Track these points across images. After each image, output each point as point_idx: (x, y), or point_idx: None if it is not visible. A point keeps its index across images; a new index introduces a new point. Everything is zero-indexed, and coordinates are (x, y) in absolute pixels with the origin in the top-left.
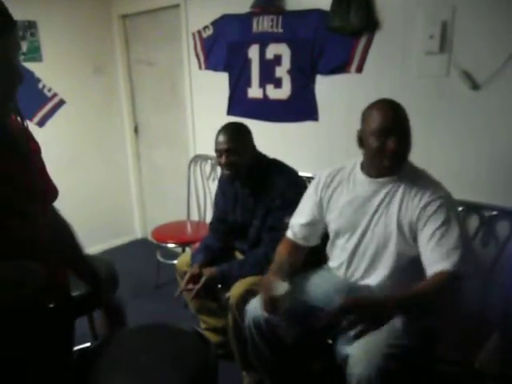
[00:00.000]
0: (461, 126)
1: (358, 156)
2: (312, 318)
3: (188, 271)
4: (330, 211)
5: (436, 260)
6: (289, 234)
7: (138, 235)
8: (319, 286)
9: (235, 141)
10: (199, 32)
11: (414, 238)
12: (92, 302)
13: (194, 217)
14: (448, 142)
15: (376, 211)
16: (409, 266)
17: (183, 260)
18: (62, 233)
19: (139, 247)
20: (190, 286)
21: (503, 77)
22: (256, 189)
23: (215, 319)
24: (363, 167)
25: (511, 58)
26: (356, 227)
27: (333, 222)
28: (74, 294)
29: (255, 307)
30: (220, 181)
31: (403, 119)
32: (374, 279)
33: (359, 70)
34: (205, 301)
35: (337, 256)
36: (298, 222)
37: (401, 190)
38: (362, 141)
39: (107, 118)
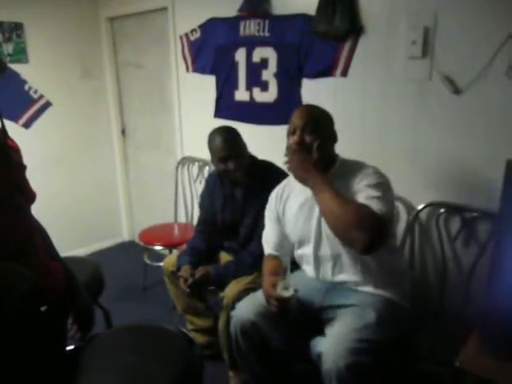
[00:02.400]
0: (444, 130)
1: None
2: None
3: (183, 274)
4: (287, 223)
5: (365, 200)
6: (266, 251)
7: (126, 238)
8: (299, 287)
9: (237, 146)
10: (187, 35)
11: None
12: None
13: (182, 219)
14: (432, 144)
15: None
16: (373, 259)
17: (170, 261)
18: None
19: (126, 250)
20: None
21: (484, 81)
22: (249, 188)
23: (202, 320)
24: None
25: (491, 62)
26: (309, 233)
27: (291, 234)
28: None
29: (243, 311)
30: (207, 182)
31: (311, 116)
32: (345, 277)
33: (344, 73)
34: (192, 301)
35: (305, 263)
36: (269, 239)
37: (339, 182)
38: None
39: (94, 120)
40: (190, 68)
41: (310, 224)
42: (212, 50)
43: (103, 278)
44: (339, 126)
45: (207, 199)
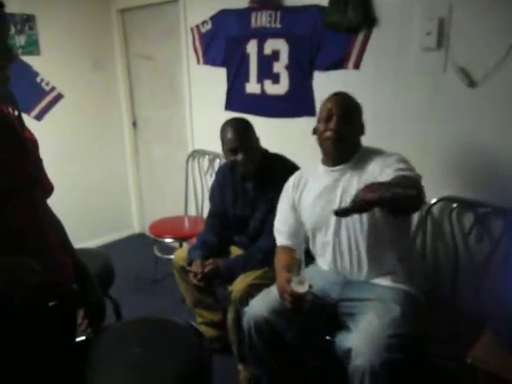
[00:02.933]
0: (458, 124)
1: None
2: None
3: (194, 269)
4: (303, 211)
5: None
6: (279, 242)
7: (136, 230)
8: (314, 281)
9: (248, 138)
10: (198, 27)
11: (381, 213)
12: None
13: (192, 212)
14: (445, 138)
15: (342, 198)
16: (388, 247)
17: (180, 255)
18: (57, 225)
19: (137, 242)
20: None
21: (500, 74)
22: (260, 182)
23: (212, 313)
24: (322, 160)
25: (508, 54)
26: (329, 220)
27: (307, 221)
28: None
29: (256, 308)
30: (218, 175)
31: (347, 105)
32: (363, 268)
33: (357, 66)
34: (201, 295)
35: (320, 253)
36: (282, 230)
37: (357, 173)
38: (315, 130)
39: (105, 112)
40: (201, 60)
41: (328, 210)
42: (223, 42)
43: (113, 270)
44: None
45: (218, 192)
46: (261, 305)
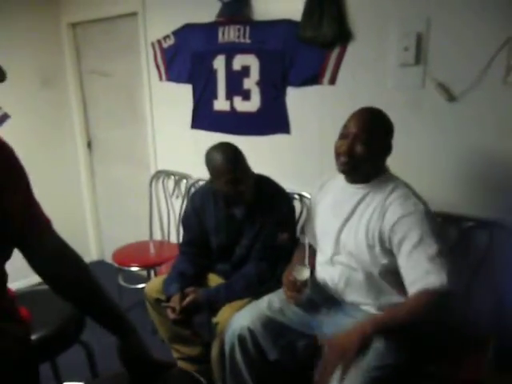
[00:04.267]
0: (438, 138)
1: (332, 168)
2: (296, 335)
3: (172, 304)
4: (317, 214)
5: (416, 280)
6: (302, 239)
7: (94, 257)
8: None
9: (245, 166)
10: (159, 42)
11: (385, 249)
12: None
13: (157, 236)
14: (425, 153)
15: (349, 217)
16: (381, 278)
17: (153, 286)
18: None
19: (96, 270)
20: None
21: (479, 89)
22: (251, 207)
23: (189, 348)
24: None
25: (487, 69)
26: (330, 232)
27: (316, 226)
28: (36, 336)
29: (241, 319)
30: (194, 200)
31: (371, 126)
32: (350, 289)
33: (332, 81)
34: (178, 329)
35: (319, 261)
36: (309, 227)
37: (376, 198)
38: None
39: (57, 133)
40: (164, 76)
41: (332, 225)
42: (188, 58)
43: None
44: (328, 135)
45: (193, 219)
46: (246, 315)
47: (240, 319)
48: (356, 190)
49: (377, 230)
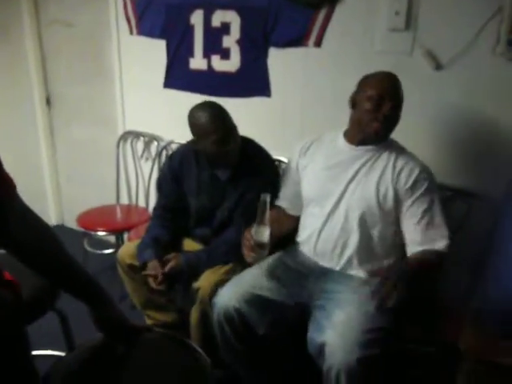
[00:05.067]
0: (421, 106)
1: (313, 134)
2: (283, 308)
3: (153, 272)
4: (304, 178)
5: (427, 240)
6: (277, 202)
7: (53, 222)
8: (290, 269)
9: (232, 127)
10: None
11: (392, 209)
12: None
13: (124, 201)
14: (408, 121)
15: (353, 179)
16: (378, 240)
17: (126, 251)
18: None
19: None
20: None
21: (467, 58)
22: (236, 169)
23: (164, 314)
24: (346, 135)
25: (476, 39)
26: (329, 195)
27: (306, 190)
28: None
29: (226, 298)
30: (172, 162)
31: (399, 90)
32: (343, 251)
33: (318, 43)
34: (152, 295)
35: (308, 226)
36: (282, 191)
37: (384, 158)
38: (354, 104)
39: (12, 87)
40: (135, 30)
41: (333, 187)
42: (162, 10)
43: None
44: (310, 99)
45: (170, 182)
46: (230, 294)
47: (225, 298)
48: (362, 153)
49: (391, 189)
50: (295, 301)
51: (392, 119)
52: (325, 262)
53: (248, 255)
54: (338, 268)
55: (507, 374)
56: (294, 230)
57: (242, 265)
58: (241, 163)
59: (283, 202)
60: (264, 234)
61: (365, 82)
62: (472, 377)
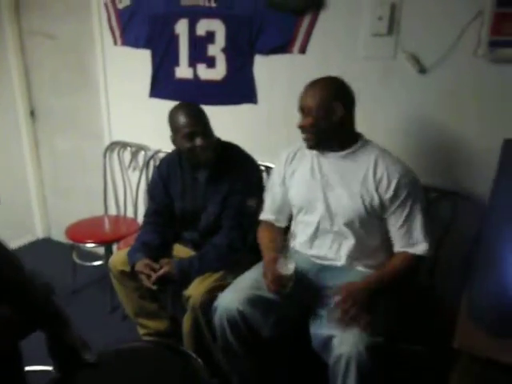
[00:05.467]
0: (407, 109)
1: (299, 140)
2: (285, 308)
3: (145, 271)
4: (292, 186)
5: (406, 244)
6: (262, 216)
7: (40, 235)
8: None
9: (205, 121)
10: (113, 2)
11: (379, 213)
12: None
13: (112, 212)
14: (393, 124)
15: (336, 186)
16: (372, 239)
17: (117, 259)
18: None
19: (42, 249)
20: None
21: (449, 61)
22: (213, 172)
23: (156, 322)
24: None
25: (458, 42)
26: (317, 202)
27: (294, 198)
28: None
29: (228, 300)
30: (160, 167)
31: (327, 100)
32: (340, 253)
33: (302, 50)
34: (145, 302)
35: (300, 234)
36: (267, 203)
37: (363, 164)
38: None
39: None
40: (119, 40)
41: (319, 195)
42: (146, 21)
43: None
44: (295, 107)
45: (160, 187)
46: (233, 297)
47: (227, 302)
48: (336, 159)
49: (375, 198)
50: (296, 299)
51: (311, 126)
52: (322, 261)
53: (275, 290)
54: (337, 265)
55: (502, 372)
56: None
57: (233, 272)
58: (221, 165)
59: (270, 215)
60: (290, 266)
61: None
62: (466, 375)
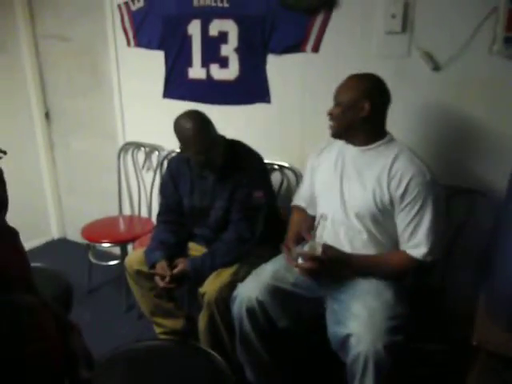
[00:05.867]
0: (421, 107)
1: (313, 139)
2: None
3: (160, 271)
4: (316, 178)
5: (408, 246)
6: (294, 202)
7: (55, 235)
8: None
9: (211, 135)
10: (126, 4)
11: (390, 210)
12: None
13: (126, 212)
14: (408, 122)
15: (350, 178)
16: (384, 237)
17: (134, 258)
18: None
19: (58, 249)
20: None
21: (463, 58)
22: (220, 170)
23: (172, 321)
24: None
25: (472, 39)
26: (333, 189)
27: (316, 188)
28: None
29: (248, 290)
30: (170, 166)
31: (352, 89)
32: (353, 246)
33: (315, 49)
34: (161, 301)
35: (321, 225)
36: (300, 191)
37: (382, 160)
38: None
39: (10, 102)
40: (132, 42)
41: (335, 186)
42: (159, 22)
43: (71, 292)
44: (309, 104)
45: (170, 185)
46: (253, 286)
47: (247, 291)
48: (357, 152)
49: (386, 194)
50: (311, 294)
51: (337, 116)
52: None
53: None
54: None
55: None
56: None
57: (246, 266)
58: (227, 163)
59: (301, 201)
60: (318, 248)
61: None
62: (485, 371)
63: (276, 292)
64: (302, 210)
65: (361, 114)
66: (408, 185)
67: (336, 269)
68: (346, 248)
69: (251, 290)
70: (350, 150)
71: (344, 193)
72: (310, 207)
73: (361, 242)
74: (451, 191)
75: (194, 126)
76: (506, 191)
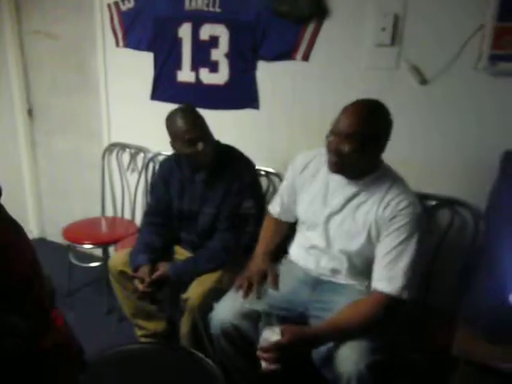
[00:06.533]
0: (408, 119)
1: (301, 146)
2: (279, 319)
3: (141, 275)
4: (300, 199)
5: (383, 278)
6: (270, 207)
7: (34, 235)
8: (284, 279)
9: (204, 125)
10: (116, 4)
11: (376, 240)
12: None
13: (108, 213)
14: (395, 134)
15: (339, 210)
16: (368, 264)
17: (117, 259)
18: None
19: (37, 249)
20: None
21: (451, 73)
22: (211, 174)
23: (154, 323)
24: None
25: (460, 54)
26: (318, 221)
27: (300, 212)
28: None
29: (222, 314)
30: (161, 168)
31: (366, 126)
32: (334, 274)
33: (305, 57)
34: (143, 303)
35: (299, 245)
36: (277, 198)
37: (373, 195)
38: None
39: None
40: (121, 42)
41: (321, 216)
42: (150, 24)
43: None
44: (298, 112)
45: (161, 186)
46: (227, 309)
47: (221, 313)
48: (350, 184)
49: (373, 223)
50: (291, 313)
51: (347, 154)
52: (318, 275)
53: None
54: (332, 280)
55: (500, 378)
56: (286, 238)
57: (230, 273)
58: (218, 167)
59: (277, 207)
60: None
61: (341, 113)
62: (466, 381)
63: (251, 314)
64: (274, 218)
65: (368, 151)
66: (399, 212)
67: (302, 347)
68: (327, 272)
69: (225, 313)
70: (340, 180)
71: (329, 228)
72: (286, 214)
73: (343, 271)
74: (436, 201)
75: (184, 116)
76: (485, 204)
